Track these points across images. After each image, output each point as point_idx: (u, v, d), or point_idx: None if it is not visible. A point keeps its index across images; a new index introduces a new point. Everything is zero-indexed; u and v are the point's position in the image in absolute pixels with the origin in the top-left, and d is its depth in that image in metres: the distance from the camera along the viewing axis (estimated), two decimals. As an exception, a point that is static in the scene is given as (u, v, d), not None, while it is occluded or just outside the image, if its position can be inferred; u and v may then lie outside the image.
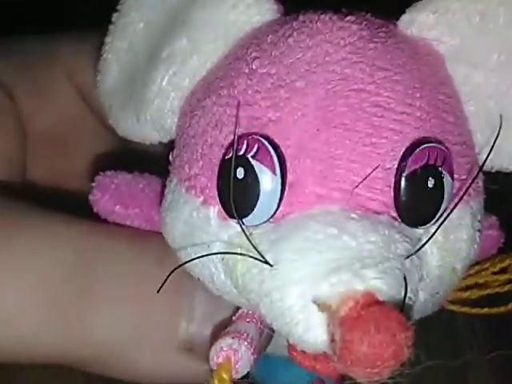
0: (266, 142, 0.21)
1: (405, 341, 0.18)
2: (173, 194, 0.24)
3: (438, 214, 0.22)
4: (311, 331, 0.20)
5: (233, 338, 0.23)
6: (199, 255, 0.23)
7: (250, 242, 0.21)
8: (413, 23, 0.24)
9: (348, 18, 0.23)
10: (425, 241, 0.21)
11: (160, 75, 0.25)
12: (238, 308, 0.25)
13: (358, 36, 0.22)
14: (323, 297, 0.20)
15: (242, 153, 0.21)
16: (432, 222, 0.22)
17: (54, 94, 0.34)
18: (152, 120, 0.26)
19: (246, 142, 0.21)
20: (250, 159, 0.21)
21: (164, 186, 0.26)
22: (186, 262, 0.23)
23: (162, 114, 0.26)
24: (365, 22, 0.23)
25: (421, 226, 0.22)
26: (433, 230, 0.21)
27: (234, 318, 0.25)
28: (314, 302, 0.20)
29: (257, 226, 0.21)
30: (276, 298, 0.20)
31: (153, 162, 0.28)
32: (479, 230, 0.23)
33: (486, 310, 0.29)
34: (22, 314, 0.25)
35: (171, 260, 0.25)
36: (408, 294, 0.20)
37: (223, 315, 0.26)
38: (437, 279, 0.22)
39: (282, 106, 0.22)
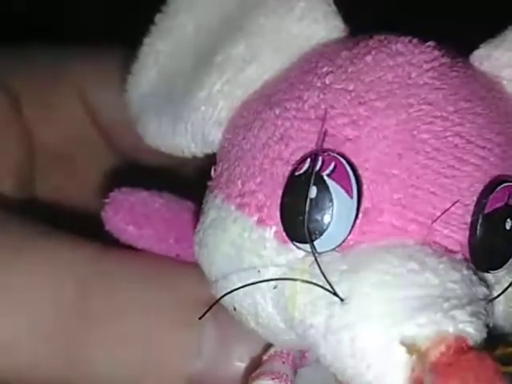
0: (344, 161, 0.19)
1: None
2: (218, 212, 0.22)
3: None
4: (388, 376, 0.18)
5: (273, 379, 0.21)
6: (248, 282, 0.20)
7: (321, 270, 0.19)
8: (487, 59, 0.23)
9: (429, 43, 0.22)
10: (506, 286, 0.20)
11: (211, 81, 0.23)
12: (267, 346, 0.23)
13: (439, 62, 0.21)
14: (409, 338, 0.18)
15: (317, 169, 0.19)
16: (502, 268, 0.20)
17: (60, 108, 0.33)
18: (193, 130, 0.24)
19: (321, 159, 0.19)
20: (326, 178, 0.19)
21: (180, 207, 0.24)
22: (232, 291, 0.21)
23: (206, 124, 0.24)
24: (444, 50, 0.22)
25: (492, 270, 0.20)
26: (501, 276, 0.20)
27: (264, 357, 0.22)
28: (402, 342, 0.18)
29: (322, 253, 0.19)
30: (345, 337, 0.18)
31: (161, 181, 0.27)
32: None
33: None
34: (21, 344, 0.24)
35: (181, 288, 0.23)
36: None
37: (240, 352, 0.24)
38: (502, 327, 0.21)
39: (361, 125, 0.20)
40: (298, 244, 0.20)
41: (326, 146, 0.20)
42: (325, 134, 0.20)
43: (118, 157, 0.35)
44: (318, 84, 0.21)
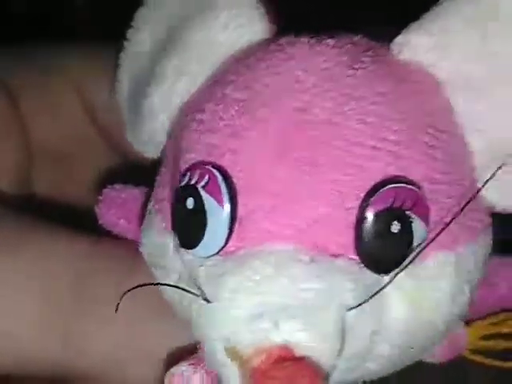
0: (217, 173, 0.20)
1: None
2: (149, 214, 0.24)
3: (408, 262, 0.19)
4: (229, 381, 0.19)
5: (189, 364, 0.22)
6: (159, 282, 0.22)
7: (190, 273, 0.20)
8: (406, 46, 0.22)
9: (328, 41, 0.21)
10: (377, 290, 0.19)
11: (152, 93, 0.25)
12: None
13: (335, 62, 0.21)
14: (241, 344, 0.18)
15: (193, 182, 0.20)
16: (398, 270, 0.19)
17: (59, 107, 0.34)
18: (148, 137, 0.25)
19: (198, 172, 0.20)
20: (200, 190, 0.20)
21: None
22: (153, 284, 0.22)
23: (154, 132, 0.25)
24: (348, 46, 0.21)
25: (385, 272, 0.19)
26: (402, 278, 0.19)
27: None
28: (226, 348, 0.18)
29: (207, 258, 0.20)
30: (203, 337, 0.19)
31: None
32: (473, 281, 0.21)
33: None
34: (20, 326, 0.25)
35: None
36: (347, 349, 0.18)
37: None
38: (405, 333, 0.20)
39: (241, 136, 0.20)
40: (186, 250, 0.20)
41: (210, 157, 0.20)
42: (211, 146, 0.21)
43: (118, 156, 0.35)
44: (219, 94, 0.22)
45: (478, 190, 0.20)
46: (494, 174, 0.20)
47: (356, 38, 0.22)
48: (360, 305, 0.19)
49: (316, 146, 0.19)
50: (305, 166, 0.19)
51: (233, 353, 0.18)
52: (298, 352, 0.18)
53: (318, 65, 0.21)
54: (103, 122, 0.34)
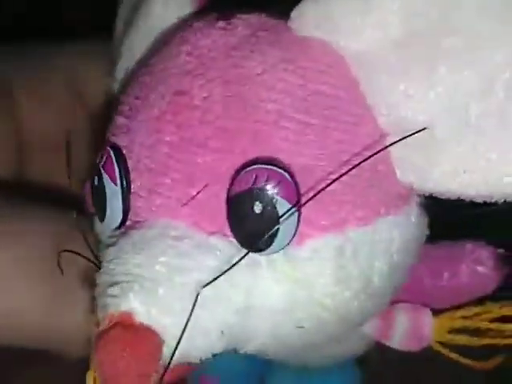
0: (112, 153, 0.21)
1: (143, 360, 0.18)
2: None
3: (278, 241, 0.19)
4: None
5: None
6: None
7: (87, 242, 0.21)
8: (300, 21, 0.20)
9: (219, 23, 0.21)
10: (227, 268, 0.19)
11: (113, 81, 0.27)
12: None
13: (219, 44, 0.21)
14: (98, 310, 0.19)
15: (97, 161, 0.21)
16: (271, 249, 0.19)
17: (51, 98, 0.34)
18: None
19: (102, 152, 0.21)
20: (101, 168, 0.21)
21: None
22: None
23: None
24: (241, 27, 0.21)
25: (259, 251, 0.19)
26: (278, 259, 0.19)
27: None
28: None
29: (113, 230, 0.21)
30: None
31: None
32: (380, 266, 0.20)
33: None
34: (9, 289, 0.25)
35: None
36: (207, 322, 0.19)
37: None
38: (283, 312, 0.20)
39: (133, 117, 0.21)
40: (100, 222, 0.22)
41: (112, 137, 0.22)
42: (116, 126, 0.22)
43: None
44: (135, 76, 0.23)
45: (354, 166, 0.19)
46: (381, 149, 0.19)
47: (256, 18, 0.21)
48: (215, 279, 0.19)
49: (181, 131, 0.20)
50: (172, 149, 0.20)
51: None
52: (141, 321, 0.18)
53: (203, 48, 0.21)
54: (95, 109, 0.34)
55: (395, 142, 0.19)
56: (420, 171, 0.20)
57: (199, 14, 0.24)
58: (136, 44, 0.25)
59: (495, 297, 0.25)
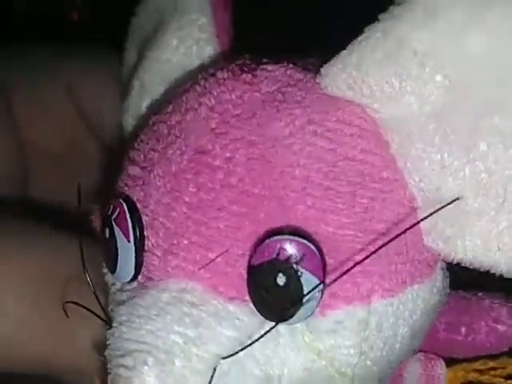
0: (125, 207, 0.20)
1: None
2: None
3: (300, 313, 0.18)
4: None
5: None
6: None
7: (95, 294, 0.21)
8: (328, 79, 0.19)
9: (243, 76, 0.20)
10: (248, 343, 0.18)
11: (124, 111, 0.26)
12: None
13: (242, 101, 0.20)
14: (110, 375, 0.19)
15: (109, 213, 0.20)
16: (294, 320, 0.18)
17: (52, 109, 0.33)
18: None
19: (113, 203, 0.20)
20: (113, 222, 0.20)
21: None
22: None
23: None
24: (266, 81, 0.20)
25: (280, 321, 0.18)
26: (299, 329, 0.19)
27: None
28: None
29: (123, 284, 0.20)
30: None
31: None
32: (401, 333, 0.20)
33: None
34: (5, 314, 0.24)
35: None
36: None
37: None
38: (303, 381, 0.19)
39: (149, 171, 0.20)
40: (110, 273, 0.21)
41: (125, 189, 0.21)
42: (130, 177, 0.21)
43: (111, 160, 0.34)
44: (150, 123, 0.21)
45: (386, 243, 0.18)
46: (415, 224, 0.19)
47: (282, 70, 0.20)
48: (236, 353, 0.18)
49: (201, 193, 0.19)
50: (190, 211, 0.19)
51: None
52: None
53: (226, 103, 0.20)
54: (96, 125, 0.33)
55: (429, 215, 0.19)
56: (450, 241, 0.19)
57: (221, 56, 0.23)
58: (148, 80, 0.25)
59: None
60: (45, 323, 0.25)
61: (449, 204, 0.19)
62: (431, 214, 0.18)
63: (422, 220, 0.19)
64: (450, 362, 0.25)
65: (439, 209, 0.18)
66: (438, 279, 0.21)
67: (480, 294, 0.25)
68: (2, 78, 0.32)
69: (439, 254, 0.20)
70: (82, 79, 0.33)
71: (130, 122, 0.26)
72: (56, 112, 0.33)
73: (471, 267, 0.20)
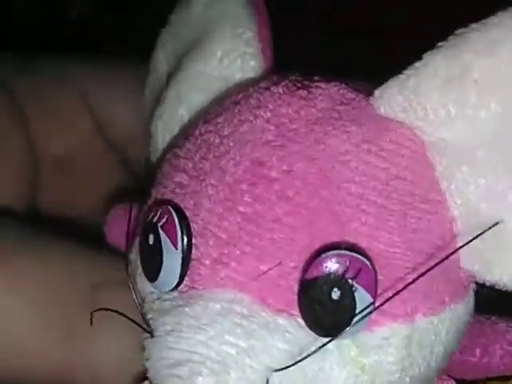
0: (175, 215, 0.20)
1: None
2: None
3: (352, 329, 0.18)
4: None
5: None
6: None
7: (138, 302, 0.21)
8: (382, 101, 0.20)
9: (299, 92, 0.20)
10: (305, 355, 0.18)
11: (155, 118, 0.26)
12: None
13: (298, 116, 0.20)
14: None
15: (155, 220, 0.20)
16: (343, 336, 0.18)
17: (67, 119, 0.33)
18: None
19: (160, 210, 0.20)
20: (159, 228, 0.20)
21: None
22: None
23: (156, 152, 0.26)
24: (320, 97, 0.20)
25: (328, 336, 0.19)
26: (346, 344, 0.19)
27: None
28: None
29: (165, 293, 0.20)
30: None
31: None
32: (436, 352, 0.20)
33: None
34: (23, 326, 0.24)
35: None
36: None
37: None
38: None
39: (201, 180, 0.20)
40: (149, 282, 0.21)
41: (173, 196, 0.21)
42: (178, 184, 0.21)
43: (126, 170, 0.34)
44: (196, 133, 0.22)
45: (436, 264, 0.19)
46: (462, 246, 0.19)
47: (335, 88, 0.21)
48: (289, 366, 0.18)
49: (257, 203, 0.19)
50: (244, 221, 0.19)
51: None
52: None
53: (283, 117, 0.20)
54: (110, 136, 0.33)
55: (473, 239, 0.19)
56: (487, 263, 0.20)
57: (265, 71, 0.23)
58: (185, 89, 0.25)
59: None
60: (58, 334, 0.24)
61: (490, 228, 0.19)
62: (476, 238, 0.19)
63: (467, 243, 0.19)
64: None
65: (482, 233, 0.19)
66: (470, 300, 0.21)
67: (494, 318, 0.26)
68: (17, 91, 0.31)
69: (474, 276, 0.21)
70: (95, 88, 0.33)
71: (161, 129, 0.26)
72: (72, 123, 0.33)
73: (503, 289, 0.20)
